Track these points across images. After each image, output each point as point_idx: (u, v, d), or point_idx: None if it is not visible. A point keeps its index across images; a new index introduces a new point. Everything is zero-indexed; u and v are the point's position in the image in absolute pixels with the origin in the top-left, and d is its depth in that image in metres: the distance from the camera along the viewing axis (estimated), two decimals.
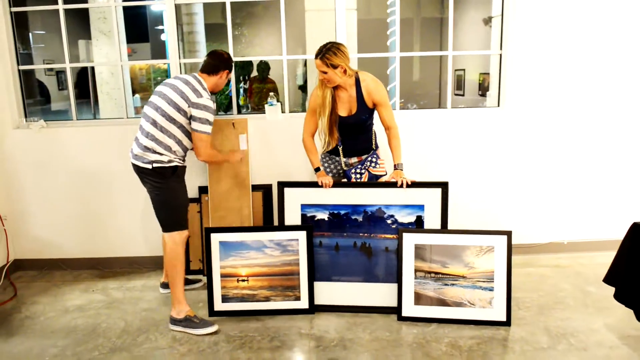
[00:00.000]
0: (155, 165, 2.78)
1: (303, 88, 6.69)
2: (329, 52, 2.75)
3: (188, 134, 2.86)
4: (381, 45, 7.33)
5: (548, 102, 3.66)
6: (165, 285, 3.32)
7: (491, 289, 2.79)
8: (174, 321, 2.85)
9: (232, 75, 3.36)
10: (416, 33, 9.76)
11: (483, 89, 7.14)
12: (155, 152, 2.78)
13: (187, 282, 3.38)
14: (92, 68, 6.95)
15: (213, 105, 2.83)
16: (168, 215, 2.86)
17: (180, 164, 2.88)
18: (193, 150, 2.92)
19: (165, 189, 2.83)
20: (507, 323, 2.77)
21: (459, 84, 8.02)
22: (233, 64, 3.09)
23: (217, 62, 2.97)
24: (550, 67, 3.62)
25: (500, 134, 3.68)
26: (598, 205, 3.80)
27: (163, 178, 2.81)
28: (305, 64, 6.66)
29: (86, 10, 6.51)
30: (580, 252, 3.82)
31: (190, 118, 2.80)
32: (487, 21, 6.72)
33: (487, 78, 5.89)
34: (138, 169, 2.84)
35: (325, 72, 2.77)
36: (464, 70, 7.86)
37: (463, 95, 7.93)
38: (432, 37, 9.43)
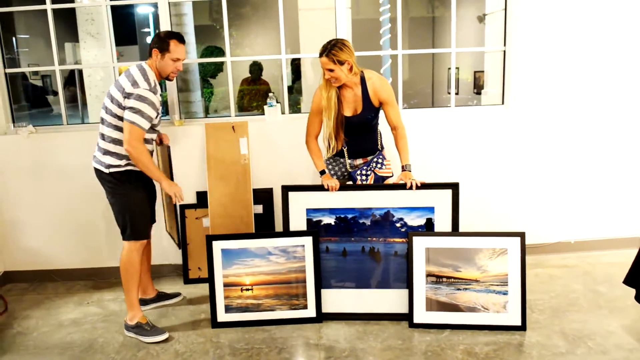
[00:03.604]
0: (111, 170, 2.70)
1: (290, 89, 6.53)
2: (334, 48, 2.64)
3: None
4: (370, 45, 7.26)
5: (554, 99, 3.58)
6: (143, 302, 3.10)
7: (505, 293, 2.69)
8: (127, 327, 2.82)
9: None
10: (404, 32, 9.72)
11: (478, 87, 7.08)
12: (112, 154, 2.69)
13: (166, 296, 3.22)
14: (80, 71, 6.78)
15: (153, 98, 2.62)
16: (124, 223, 2.77)
17: (136, 169, 2.72)
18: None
19: (121, 195, 2.74)
20: (523, 327, 2.68)
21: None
22: (170, 41, 2.69)
23: (151, 44, 2.74)
24: (556, 63, 3.53)
25: (505, 133, 3.60)
26: (605, 203, 3.73)
27: (119, 183, 2.73)
28: (293, 63, 6.48)
29: (73, 12, 6.35)
30: (587, 252, 3.75)
31: (124, 109, 2.62)
32: (482, 18, 6.67)
33: (481, 76, 5.84)
34: (97, 173, 2.76)
35: (332, 70, 2.66)
36: (457, 68, 7.80)
37: (457, 93, 7.85)
38: (422, 36, 9.37)
